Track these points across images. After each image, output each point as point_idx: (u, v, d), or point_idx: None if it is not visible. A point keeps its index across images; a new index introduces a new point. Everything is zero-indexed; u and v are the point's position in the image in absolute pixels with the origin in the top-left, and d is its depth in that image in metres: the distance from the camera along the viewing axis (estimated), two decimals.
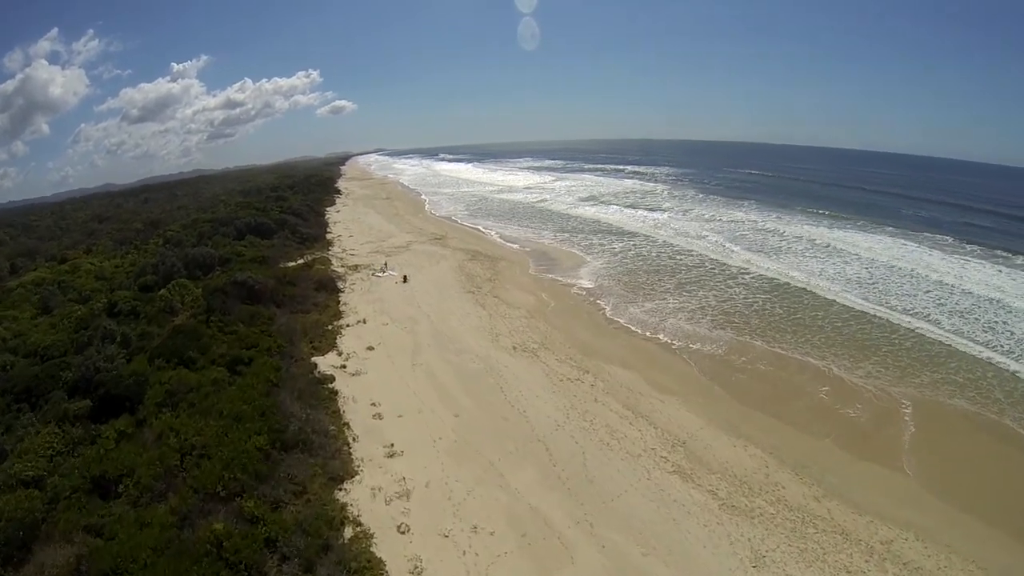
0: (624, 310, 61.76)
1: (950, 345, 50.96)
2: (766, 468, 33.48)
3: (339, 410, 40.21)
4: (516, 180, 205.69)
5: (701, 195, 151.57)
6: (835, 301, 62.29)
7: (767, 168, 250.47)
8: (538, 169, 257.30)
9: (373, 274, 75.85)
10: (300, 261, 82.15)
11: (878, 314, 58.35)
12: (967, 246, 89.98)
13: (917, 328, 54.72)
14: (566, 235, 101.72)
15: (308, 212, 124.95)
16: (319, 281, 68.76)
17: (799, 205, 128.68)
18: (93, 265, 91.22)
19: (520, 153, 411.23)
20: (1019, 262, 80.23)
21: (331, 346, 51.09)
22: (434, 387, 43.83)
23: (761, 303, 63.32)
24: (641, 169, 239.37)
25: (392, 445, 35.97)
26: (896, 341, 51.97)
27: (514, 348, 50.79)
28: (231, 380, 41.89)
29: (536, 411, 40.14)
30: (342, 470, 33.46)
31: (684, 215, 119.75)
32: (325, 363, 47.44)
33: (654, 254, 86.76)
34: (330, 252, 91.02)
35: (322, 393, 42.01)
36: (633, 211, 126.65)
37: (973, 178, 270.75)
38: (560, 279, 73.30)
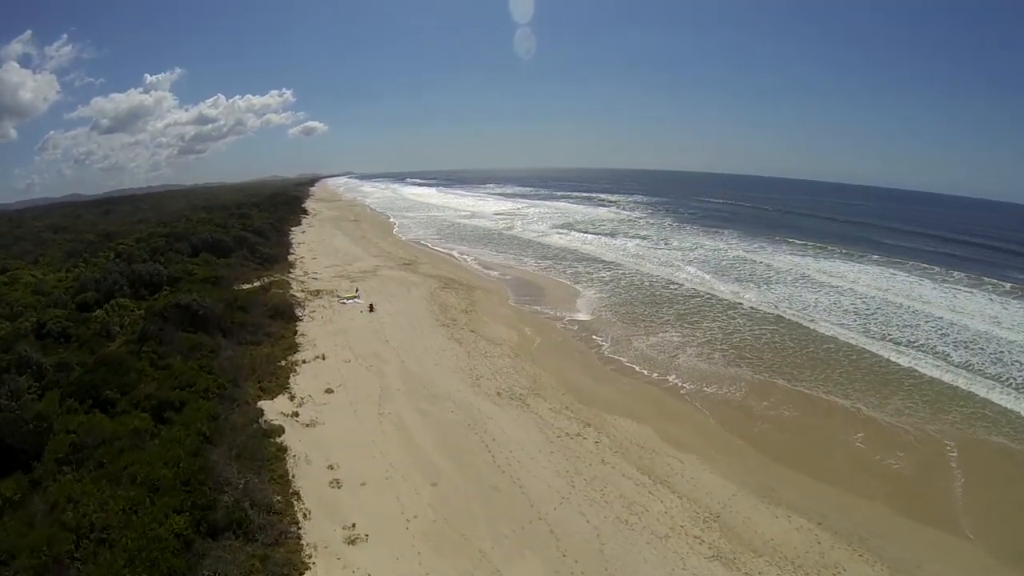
0: (626, 346, 55.12)
1: (968, 378, 49.22)
2: (818, 544, 27.83)
3: (288, 474, 32.11)
4: (487, 206, 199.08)
5: (679, 224, 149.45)
6: (836, 336, 59.16)
7: (737, 198, 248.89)
8: (509, 196, 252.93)
9: (340, 300, 67.65)
10: (256, 283, 73.38)
11: (882, 349, 55.71)
12: (954, 273, 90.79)
13: (924, 362, 52.72)
14: (548, 262, 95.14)
15: (270, 231, 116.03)
16: (275, 307, 60.25)
17: (778, 235, 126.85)
18: (34, 277, 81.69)
19: (490, 180, 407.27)
20: (1007, 289, 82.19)
21: (283, 387, 42.74)
22: (405, 444, 35.75)
23: (769, 335, 58.82)
24: (614, 197, 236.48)
25: (353, 526, 27.88)
26: (915, 374, 49.77)
27: (499, 394, 42.95)
28: (155, 430, 33.70)
29: (533, 478, 32.40)
30: (287, 564, 25.12)
31: (666, 244, 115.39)
32: (274, 409, 39.20)
33: (645, 284, 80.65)
34: (291, 275, 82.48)
35: (267, 450, 33.82)
36: (611, 239, 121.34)
37: (939, 208, 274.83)
38: (544, 311, 65.96)
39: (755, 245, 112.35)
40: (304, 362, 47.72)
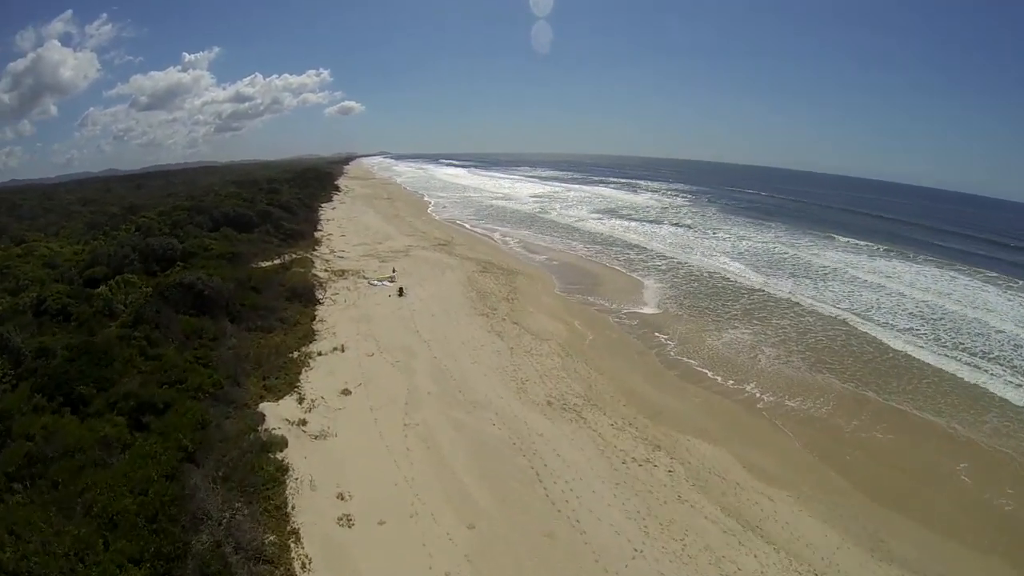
0: (692, 346, 47.77)
1: None
2: None
3: (287, 504, 25.14)
4: (523, 188, 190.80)
5: (723, 214, 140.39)
6: (908, 344, 51.62)
7: (775, 191, 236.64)
8: (545, 179, 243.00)
9: (370, 282, 60.61)
10: (277, 261, 66.27)
11: (958, 359, 48.96)
12: (1019, 281, 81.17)
13: (1000, 374, 46.29)
14: (593, 249, 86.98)
15: (298, 206, 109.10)
16: (293, 288, 53.22)
17: (827, 230, 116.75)
18: (49, 250, 76.28)
19: (523, 163, 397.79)
20: None
21: (291, 385, 35.62)
22: (436, 468, 28.37)
23: (844, 338, 51.93)
24: (653, 185, 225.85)
25: None
26: (1000, 386, 43.79)
27: (549, 403, 35.49)
28: (129, 439, 27.13)
29: (597, 521, 25.10)
30: None
31: (714, 234, 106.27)
32: (278, 414, 32.18)
33: (698, 275, 72.73)
34: (315, 252, 75.55)
35: (264, 470, 26.84)
36: (656, 227, 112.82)
37: (989, 212, 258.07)
38: (594, 302, 58.19)
39: (805, 240, 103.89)
40: (320, 354, 40.57)
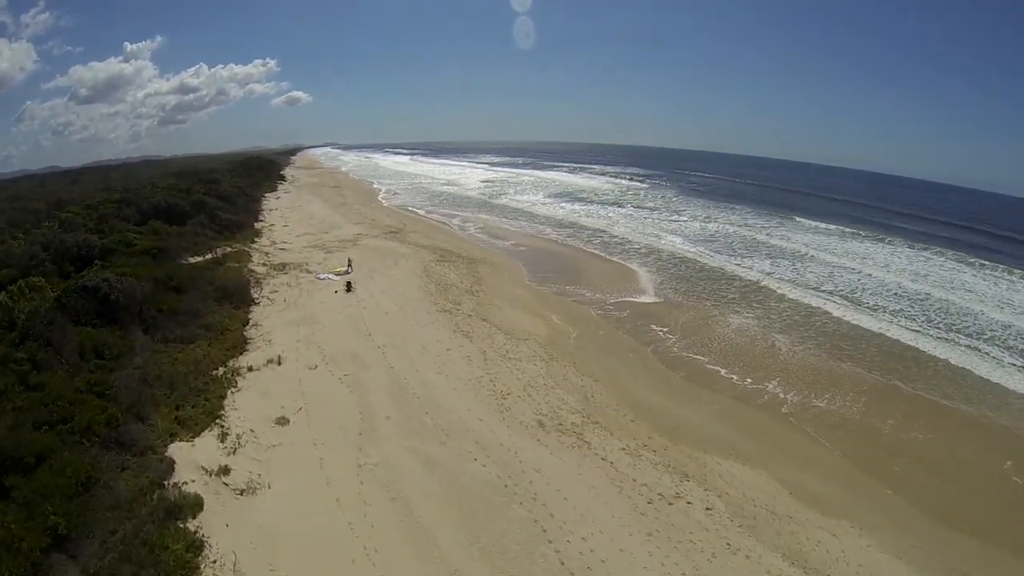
0: (694, 340, 41.19)
1: None
2: None
3: None
4: (475, 174, 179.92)
5: (684, 196, 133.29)
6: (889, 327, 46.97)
7: (728, 175, 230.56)
8: (495, 165, 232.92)
9: (316, 276, 52.21)
10: (209, 256, 57.19)
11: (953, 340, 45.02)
12: (988, 263, 76.13)
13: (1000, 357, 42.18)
14: (560, 232, 79.42)
15: (238, 196, 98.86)
16: (224, 287, 44.60)
17: (791, 213, 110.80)
18: None
19: (472, 151, 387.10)
20: None
21: (212, 416, 27.31)
22: (406, 532, 20.70)
23: (851, 320, 47.34)
24: (607, 169, 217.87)
25: None
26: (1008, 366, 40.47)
27: (541, 424, 28.07)
28: None
29: None
30: None
31: (679, 217, 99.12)
32: (193, 459, 24.04)
33: (671, 259, 65.67)
34: (254, 245, 66.42)
35: (170, 551, 19.08)
36: (618, 209, 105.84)
37: (937, 195, 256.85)
38: (570, 292, 50.79)
39: (772, 222, 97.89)
40: (251, 370, 32.25)
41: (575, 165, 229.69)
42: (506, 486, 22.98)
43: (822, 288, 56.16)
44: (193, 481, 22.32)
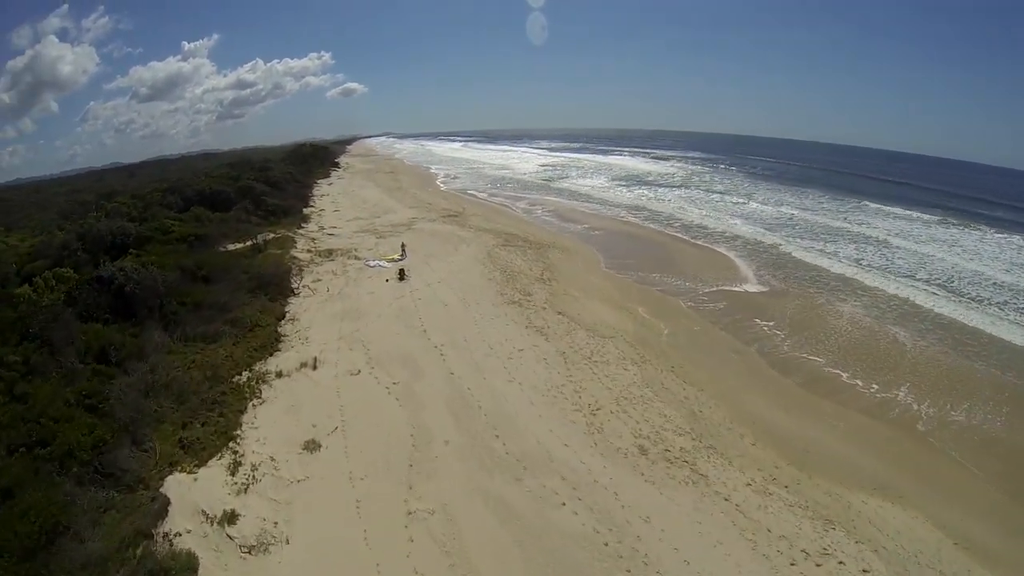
0: (809, 334, 34.76)
1: None
2: None
3: None
4: (538, 159, 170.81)
5: (751, 180, 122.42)
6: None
7: (792, 159, 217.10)
8: (554, 150, 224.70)
9: (366, 263, 46.44)
10: (250, 242, 51.83)
11: None
12: None
13: None
14: (633, 216, 71.74)
15: (287, 182, 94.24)
16: (260, 276, 39.05)
17: (861, 198, 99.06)
18: (4, 244, 63.35)
19: (528, 137, 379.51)
20: None
21: (225, 437, 21.59)
22: None
23: (957, 316, 39.98)
24: (668, 153, 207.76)
25: None
26: None
27: (643, 451, 21.54)
28: None
29: None
30: None
31: (751, 199, 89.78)
32: (192, 499, 18.44)
33: (753, 246, 57.20)
34: (301, 230, 60.99)
35: None
36: (687, 191, 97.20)
37: (997, 177, 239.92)
38: (654, 281, 43.65)
39: (848, 206, 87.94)
40: (280, 375, 26.45)
41: (635, 150, 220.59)
42: (607, 544, 16.62)
43: (917, 276, 48.92)
44: (189, 531, 16.75)
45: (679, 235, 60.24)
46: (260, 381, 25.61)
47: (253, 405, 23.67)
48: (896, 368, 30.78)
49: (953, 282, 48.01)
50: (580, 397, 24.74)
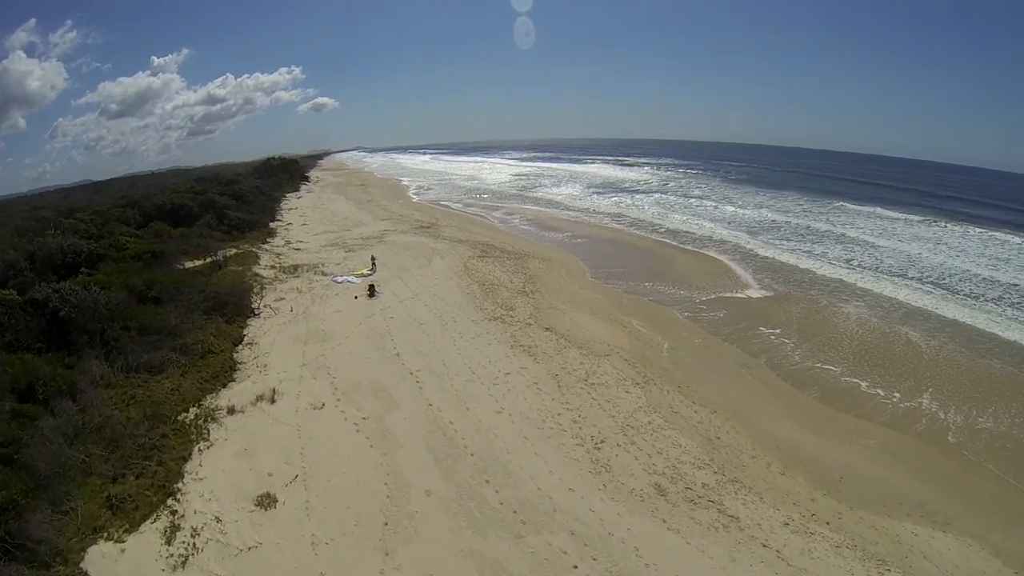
0: (820, 340, 32.51)
1: None
2: None
3: None
4: (510, 169, 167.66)
5: (728, 185, 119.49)
6: None
7: (763, 164, 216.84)
8: (524, 160, 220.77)
9: (333, 279, 42.65)
10: (209, 259, 47.95)
11: None
12: None
13: None
14: (613, 224, 68.50)
15: (254, 195, 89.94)
16: (216, 296, 35.07)
17: (840, 200, 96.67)
18: None
19: (503, 148, 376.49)
20: None
21: (163, 494, 17.94)
22: None
23: (954, 316, 38.09)
24: (643, 160, 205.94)
25: None
26: None
27: (661, 492, 18.32)
28: None
29: None
30: None
31: (731, 204, 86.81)
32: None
33: (747, 252, 54.18)
34: (266, 245, 57.07)
35: None
36: (663, 197, 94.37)
37: (970, 177, 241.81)
38: (646, 290, 40.62)
39: (828, 208, 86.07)
40: (232, 412, 22.74)
41: (607, 158, 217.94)
42: None
43: (909, 275, 47.31)
44: None
45: (666, 240, 57.26)
46: (209, 419, 21.89)
47: (199, 450, 19.97)
48: (914, 372, 28.63)
49: (944, 279, 46.37)
50: (580, 428, 21.39)
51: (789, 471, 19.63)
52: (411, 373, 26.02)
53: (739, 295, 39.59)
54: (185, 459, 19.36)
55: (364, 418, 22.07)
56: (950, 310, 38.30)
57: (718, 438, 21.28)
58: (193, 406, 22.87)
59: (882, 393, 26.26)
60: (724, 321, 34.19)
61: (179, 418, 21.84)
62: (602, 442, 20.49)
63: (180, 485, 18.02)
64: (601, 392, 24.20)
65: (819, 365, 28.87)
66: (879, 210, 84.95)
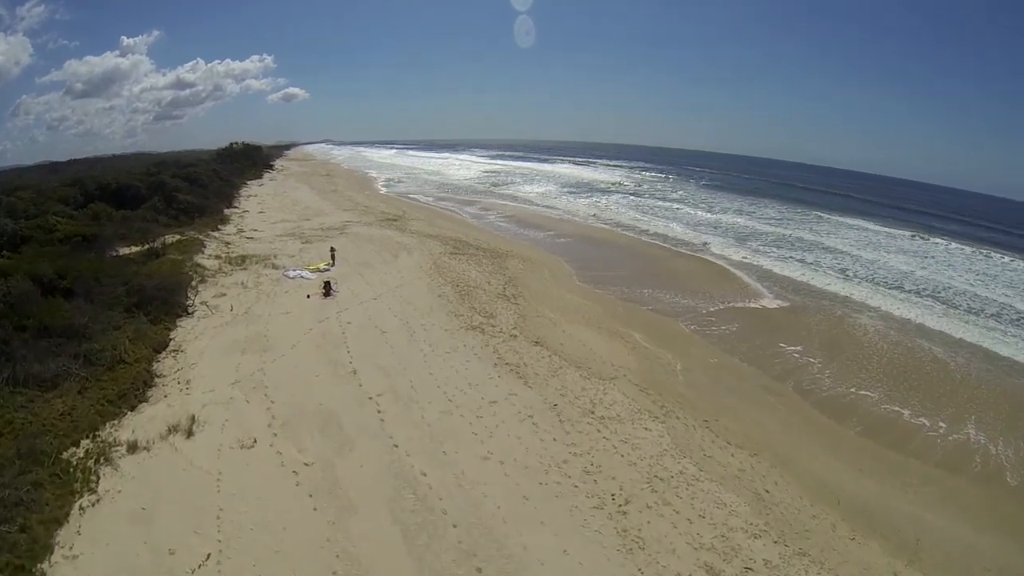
0: (847, 359, 28.81)
1: None
2: None
3: None
4: (482, 166, 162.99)
5: (703, 191, 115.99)
6: None
7: (734, 171, 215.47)
8: (495, 158, 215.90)
9: (284, 273, 36.79)
10: (147, 246, 41.84)
11: None
12: None
13: None
14: (595, 224, 64.02)
15: (210, 178, 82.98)
16: (143, 289, 29.01)
17: (816, 210, 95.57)
18: None
19: (472, 146, 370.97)
20: None
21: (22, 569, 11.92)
22: None
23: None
24: (615, 162, 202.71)
25: None
26: None
27: (713, 573, 12.70)
28: None
29: None
30: None
31: (711, 210, 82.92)
32: None
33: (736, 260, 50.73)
34: (216, 233, 50.70)
35: None
36: (640, 200, 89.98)
37: (935, 194, 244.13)
38: (644, 297, 35.77)
39: (810, 217, 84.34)
40: (134, 448, 16.88)
41: (577, 159, 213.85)
42: None
43: (905, 287, 45.86)
44: None
45: (655, 242, 52.59)
46: (102, 459, 16.10)
47: (80, 508, 14.18)
48: (952, 397, 25.59)
49: (940, 292, 45.37)
50: (596, 482, 16.16)
51: (860, 534, 15.25)
52: (370, 398, 20.44)
53: (750, 305, 35.41)
54: (59, 522, 13.64)
55: (307, 464, 16.42)
56: (958, 329, 35.51)
57: (767, 491, 16.46)
58: (86, 437, 17.07)
59: (928, 424, 22.65)
60: (738, 336, 29.53)
61: (63, 455, 16.13)
62: (627, 502, 15.36)
63: (44, 567, 12.43)
64: (614, 429, 19.03)
65: (853, 390, 24.90)
66: (861, 222, 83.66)
